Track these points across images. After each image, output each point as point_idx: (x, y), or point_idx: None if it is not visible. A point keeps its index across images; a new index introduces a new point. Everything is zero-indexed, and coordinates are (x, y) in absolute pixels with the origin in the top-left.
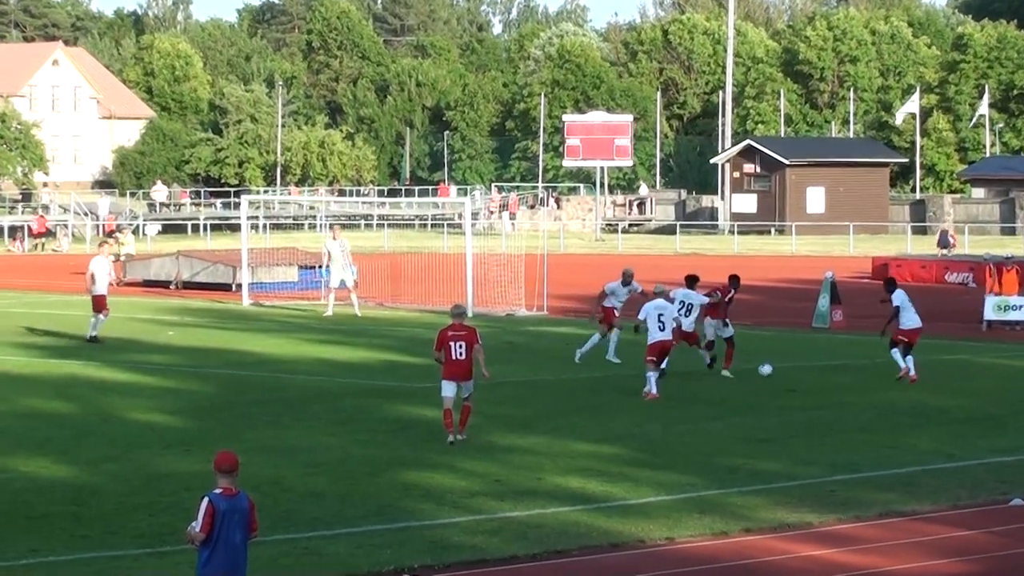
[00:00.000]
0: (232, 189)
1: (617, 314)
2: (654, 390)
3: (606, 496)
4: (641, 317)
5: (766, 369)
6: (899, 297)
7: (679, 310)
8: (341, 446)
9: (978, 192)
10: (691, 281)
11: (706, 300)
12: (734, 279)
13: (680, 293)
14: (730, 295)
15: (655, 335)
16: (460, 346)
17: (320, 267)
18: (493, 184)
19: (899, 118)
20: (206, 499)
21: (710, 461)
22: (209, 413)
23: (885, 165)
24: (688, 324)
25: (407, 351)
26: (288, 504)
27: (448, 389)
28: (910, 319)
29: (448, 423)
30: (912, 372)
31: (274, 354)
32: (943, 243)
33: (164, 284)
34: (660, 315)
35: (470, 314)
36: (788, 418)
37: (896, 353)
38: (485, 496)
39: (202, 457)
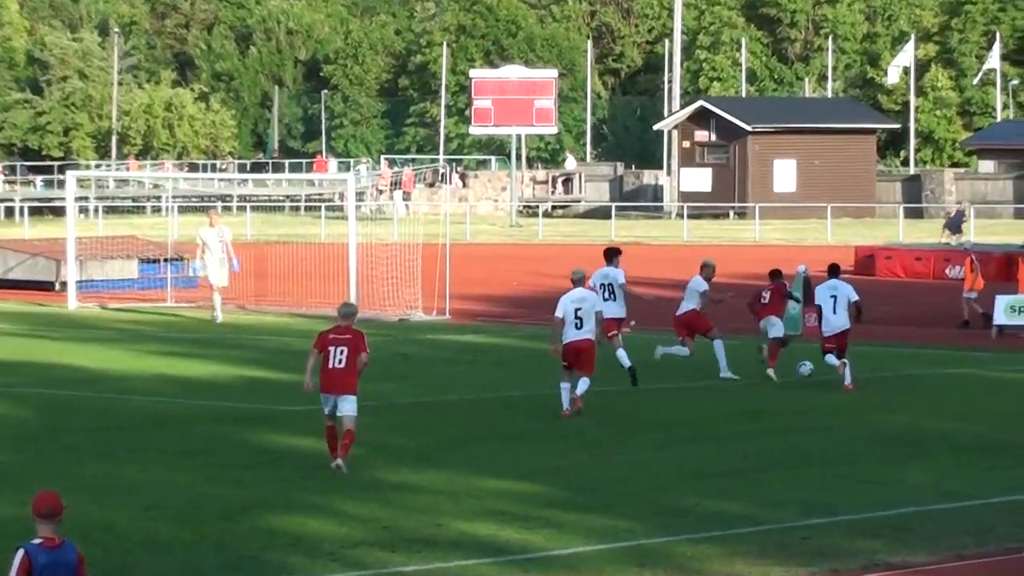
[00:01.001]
0: (56, 163)
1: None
2: (567, 406)
3: (523, 546)
4: (558, 314)
5: (806, 368)
6: (821, 295)
7: (603, 297)
8: (189, 484)
9: (986, 165)
10: (611, 255)
11: (621, 279)
12: (774, 273)
13: (597, 275)
14: (786, 290)
15: (569, 334)
16: (341, 351)
17: (188, 260)
18: (383, 157)
19: (891, 75)
20: (21, 551)
21: (654, 501)
22: (25, 443)
23: (871, 132)
24: (616, 310)
25: (273, 366)
26: (123, 556)
27: (326, 404)
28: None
29: (332, 446)
30: (848, 380)
31: (108, 370)
32: (954, 226)
33: None
34: (577, 309)
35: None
36: (751, 447)
37: (831, 358)
38: (371, 546)
39: (16, 498)
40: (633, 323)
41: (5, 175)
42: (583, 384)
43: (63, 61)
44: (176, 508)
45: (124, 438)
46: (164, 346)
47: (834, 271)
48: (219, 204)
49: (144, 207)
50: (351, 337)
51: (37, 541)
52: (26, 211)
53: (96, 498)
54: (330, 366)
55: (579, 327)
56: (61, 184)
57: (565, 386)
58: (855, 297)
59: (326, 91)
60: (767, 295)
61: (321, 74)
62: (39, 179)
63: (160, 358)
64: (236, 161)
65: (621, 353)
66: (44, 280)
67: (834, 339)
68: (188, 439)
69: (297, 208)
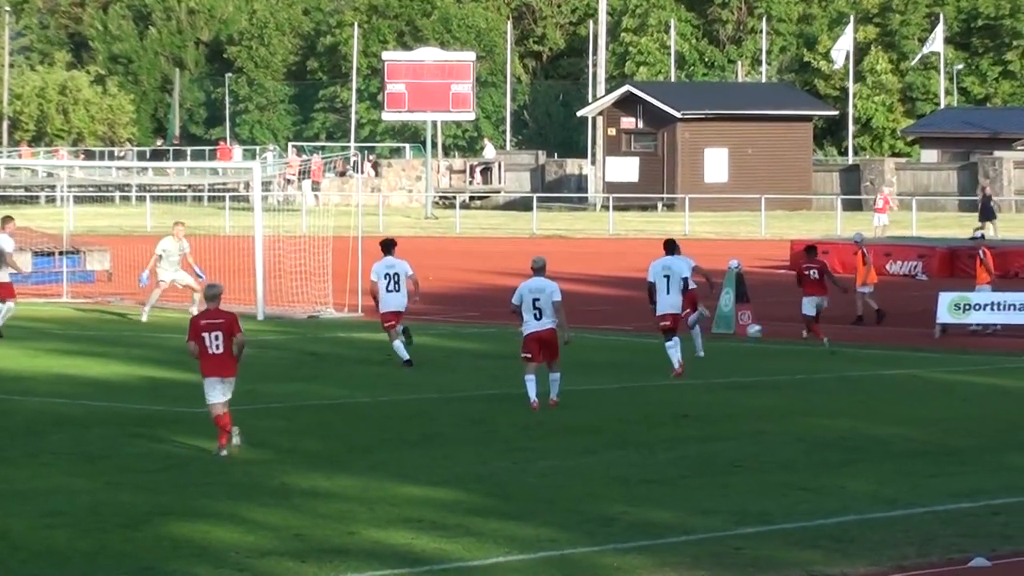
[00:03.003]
0: None
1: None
2: (533, 397)
3: (440, 555)
4: (515, 302)
5: (754, 329)
6: (653, 271)
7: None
8: (88, 490)
9: (929, 155)
10: (672, 247)
11: (687, 271)
12: (809, 249)
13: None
14: (818, 267)
15: (530, 325)
16: (216, 337)
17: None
18: (290, 144)
19: (836, 59)
20: None
21: (578, 509)
22: None
23: (807, 119)
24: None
25: (176, 365)
26: (19, 566)
27: (213, 390)
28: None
29: (224, 437)
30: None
31: (1, 369)
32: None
33: None
34: (535, 299)
35: (260, 316)
36: (681, 453)
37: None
38: (280, 555)
39: None
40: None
41: None
42: (555, 384)
43: None
44: (75, 516)
45: (20, 441)
46: (62, 344)
47: (671, 247)
48: (116, 193)
49: (37, 197)
50: (223, 321)
51: None
52: None
53: None
54: (209, 352)
55: (538, 317)
56: None
57: (530, 378)
58: (687, 275)
59: (230, 74)
60: (815, 272)
61: (225, 56)
62: None
63: (58, 357)
64: (135, 148)
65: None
66: None
67: (669, 318)
68: (88, 442)
69: (200, 198)
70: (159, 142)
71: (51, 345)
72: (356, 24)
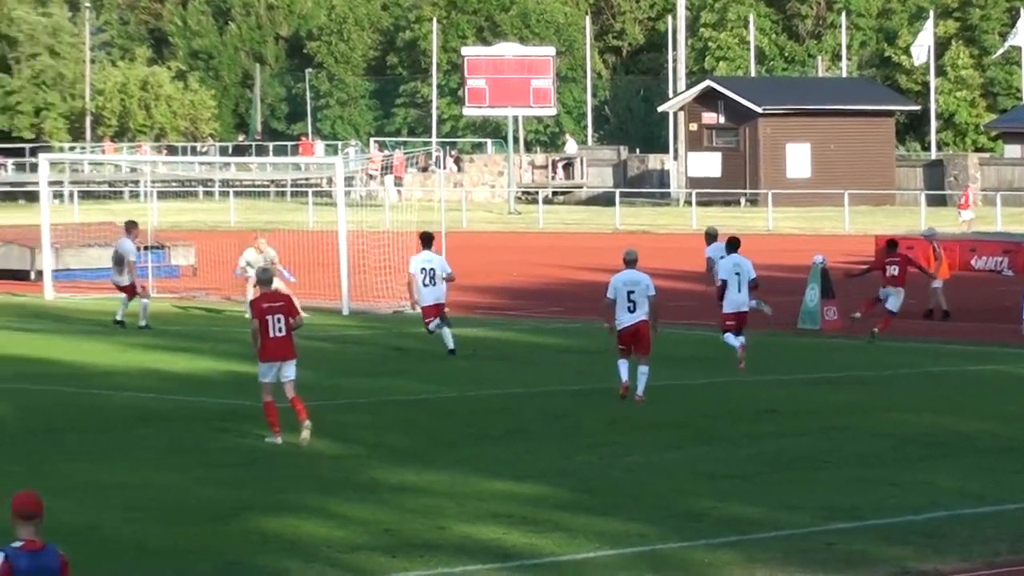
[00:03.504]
0: (27, 145)
1: None
2: (624, 378)
3: (531, 550)
4: (610, 295)
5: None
6: (724, 269)
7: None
8: (179, 484)
9: (1012, 150)
10: (733, 245)
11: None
12: (890, 244)
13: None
14: (900, 262)
15: (623, 318)
16: (278, 320)
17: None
18: (372, 139)
19: (917, 55)
20: (1, 555)
21: (666, 504)
22: (3, 442)
23: (890, 115)
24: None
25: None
26: (109, 560)
27: (269, 373)
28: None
29: (274, 420)
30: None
31: (89, 364)
32: None
33: None
34: (630, 292)
35: (344, 311)
36: (766, 448)
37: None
38: (371, 550)
39: None
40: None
41: None
42: (643, 377)
43: (32, 37)
44: (165, 510)
45: (109, 436)
46: (149, 339)
47: (734, 245)
48: (199, 188)
49: (121, 192)
50: (283, 304)
51: (17, 544)
52: None
53: (80, 499)
54: (271, 335)
55: (632, 310)
56: (34, 168)
57: (623, 361)
58: (754, 275)
59: (310, 70)
60: (895, 269)
61: (304, 51)
62: (10, 162)
63: (145, 352)
64: (217, 144)
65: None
66: (18, 269)
67: (735, 317)
68: (177, 437)
69: (283, 193)
70: (241, 137)
71: (138, 340)
72: (435, 19)
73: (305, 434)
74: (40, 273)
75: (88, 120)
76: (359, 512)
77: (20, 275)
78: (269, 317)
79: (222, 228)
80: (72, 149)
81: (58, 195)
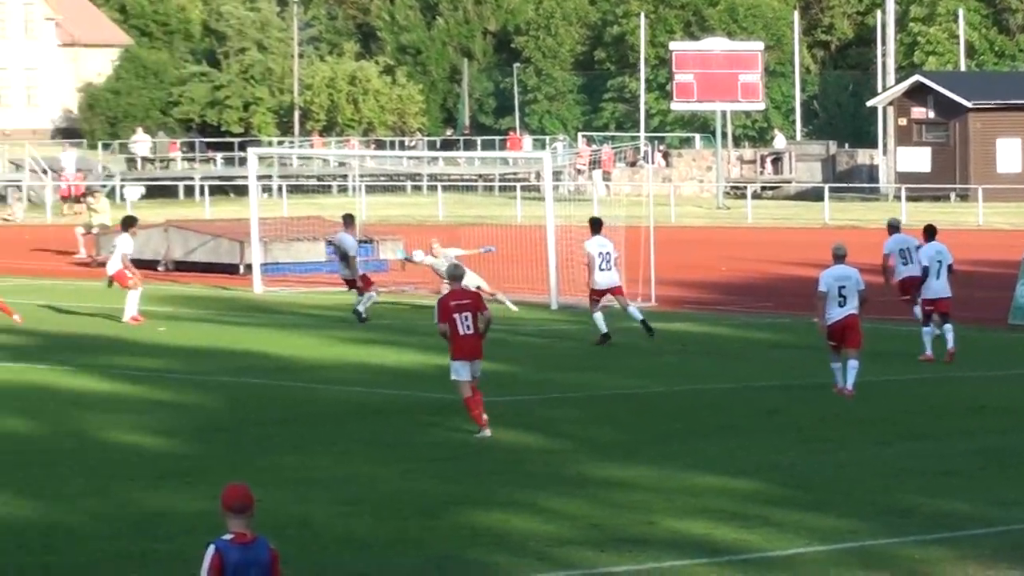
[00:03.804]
0: (236, 140)
1: None
2: (839, 383)
3: (740, 546)
4: (822, 289)
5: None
6: (925, 254)
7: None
8: (387, 478)
9: None
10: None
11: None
12: None
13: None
14: None
15: (833, 312)
16: (466, 318)
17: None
18: (580, 134)
19: None
20: (212, 547)
21: (876, 500)
22: (214, 434)
23: None
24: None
25: None
26: (320, 553)
27: (464, 369)
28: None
29: (478, 414)
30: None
31: (298, 357)
32: None
33: (150, 264)
34: (841, 287)
35: (553, 306)
36: (977, 444)
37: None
38: (579, 545)
39: (206, 491)
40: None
41: (184, 152)
42: (852, 371)
43: (240, 32)
44: (374, 503)
45: (319, 430)
46: (357, 333)
47: (932, 233)
48: (407, 183)
49: (330, 186)
50: (471, 301)
51: (228, 537)
52: (206, 190)
53: (291, 492)
54: (460, 333)
55: (842, 304)
56: (242, 162)
57: (836, 366)
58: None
59: (518, 64)
60: None
61: (512, 46)
62: (219, 156)
63: (354, 345)
64: (425, 138)
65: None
66: (227, 263)
67: (933, 303)
68: (385, 431)
69: (490, 188)
70: (449, 132)
71: (347, 334)
72: (643, 14)
73: (484, 429)
74: (249, 267)
75: (296, 115)
76: (567, 507)
77: (229, 269)
78: (457, 315)
79: (430, 222)
80: (280, 143)
81: (267, 189)
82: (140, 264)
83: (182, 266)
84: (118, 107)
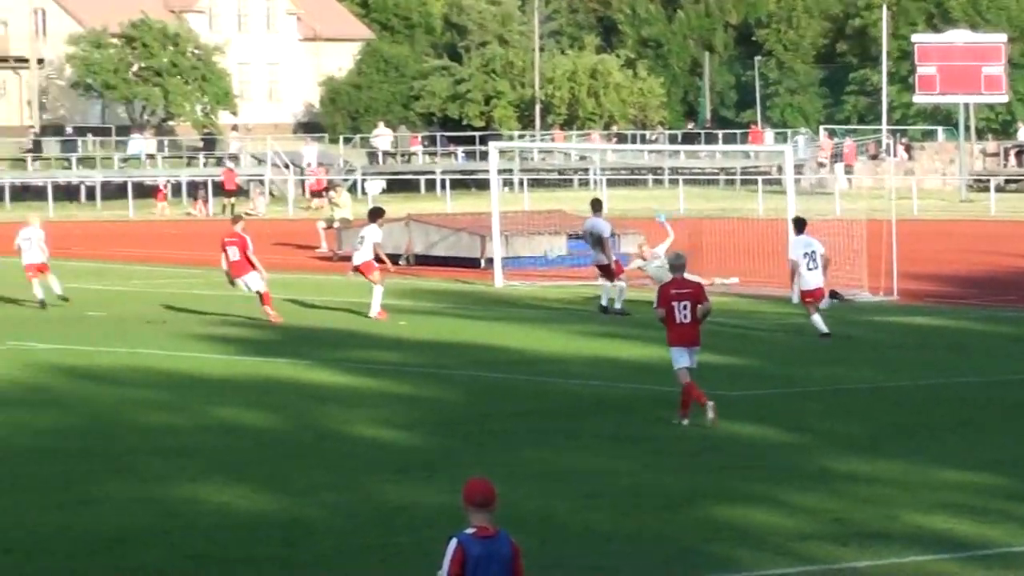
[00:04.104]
0: (477, 133)
1: None
2: None
3: (981, 541)
4: None
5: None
6: None
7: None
8: (628, 472)
9: None
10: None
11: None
12: None
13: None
14: None
15: None
16: (684, 307)
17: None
18: (821, 127)
19: None
20: (454, 541)
21: None
22: (455, 428)
23: None
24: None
25: (711, 348)
26: (561, 547)
27: (681, 357)
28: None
29: (688, 402)
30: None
31: (538, 351)
32: None
33: (392, 258)
34: None
35: (794, 299)
36: None
37: None
38: (820, 540)
39: (448, 485)
40: None
41: (425, 146)
42: None
43: (482, 26)
44: (615, 497)
45: (559, 423)
46: (597, 326)
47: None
48: (649, 176)
49: (571, 180)
50: (691, 291)
51: (470, 531)
52: (447, 184)
53: (531, 486)
54: (677, 321)
55: None
56: (483, 156)
57: None
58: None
59: (759, 57)
60: None
61: (753, 39)
62: (460, 150)
63: (594, 339)
64: (666, 132)
65: None
66: (468, 256)
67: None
68: (626, 425)
69: (732, 181)
70: (690, 125)
71: (587, 327)
72: (884, 6)
73: (711, 415)
74: (490, 261)
75: (537, 108)
76: (809, 500)
77: (470, 263)
78: (675, 303)
79: (670, 217)
80: (521, 137)
81: (507, 183)
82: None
83: (423, 260)
84: (359, 101)
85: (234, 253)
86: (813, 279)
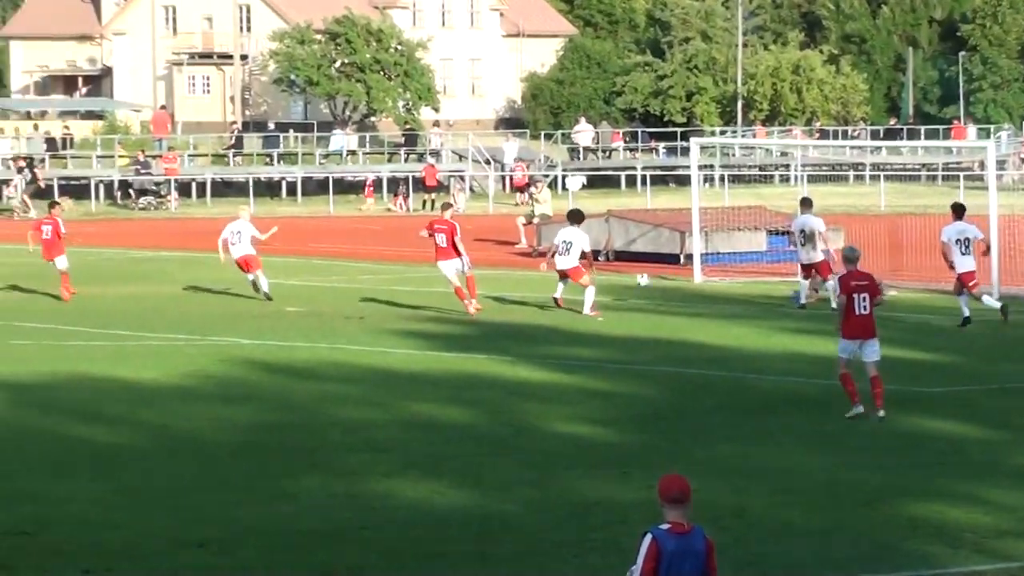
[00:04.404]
0: (678, 129)
1: None
2: None
3: None
4: None
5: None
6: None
7: None
8: (824, 468)
9: None
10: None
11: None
12: None
13: None
14: None
15: None
16: (863, 298)
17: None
18: None
19: None
20: (649, 536)
21: None
22: (651, 424)
23: None
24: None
25: (912, 344)
26: (755, 544)
27: (849, 350)
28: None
29: (852, 389)
30: None
31: (736, 347)
32: None
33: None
34: None
35: (995, 297)
36: None
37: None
38: (1018, 537)
39: (643, 482)
40: None
41: (626, 142)
42: None
43: (685, 22)
44: (811, 494)
45: (754, 419)
46: (797, 323)
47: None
48: (850, 172)
49: (771, 176)
50: (869, 283)
51: (665, 526)
52: (648, 180)
53: (727, 482)
54: (856, 312)
55: None
56: (684, 152)
57: None
58: None
59: (963, 53)
60: None
61: (958, 34)
62: (661, 146)
63: (791, 336)
64: (868, 127)
65: None
66: (667, 252)
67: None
68: (822, 421)
69: (934, 177)
70: (892, 121)
71: (786, 324)
72: None
73: (880, 413)
74: (689, 257)
75: (739, 104)
76: (1007, 498)
77: (670, 259)
78: (855, 295)
79: (871, 212)
80: (723, 133)
81: (708, 179)
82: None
83: (622, 256)
84: (561, 97)
85: (442, 240)
86: (965, 263)
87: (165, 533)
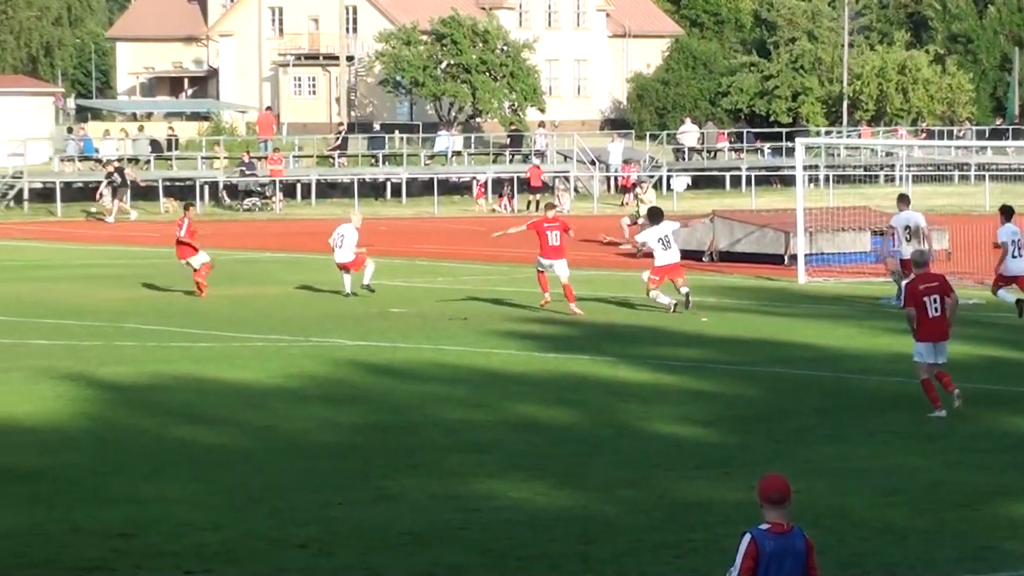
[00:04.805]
0: (784, 130)
1: None
2: None
3: None
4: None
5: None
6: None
7: None
8: (927, 468)
9: None
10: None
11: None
12: None
13: None
14: None
15: None
16: (935, 300)
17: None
18: None
19: None
20: (748, 536)
21: None
22: (753, 424)
23: None
24: None
25: (1014, 344)
26: (856, 544)
27: (928, 354)
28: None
29: (933, 395)
30: None
31: (839, 348)
32: None
33: (695, 254)
34: None
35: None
36: None
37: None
38: None
39: (744, 482)
40: None
41: (731, 142)
42: None
43: (791, 22)
44: (913, 494)
45: (859, 420)
46: (901, 323)
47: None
48: (955, 172)
49: (876, 176)
50: (939, 284)
51: (764, 527)
52: (753, 180)
53: (828, 482)
54: (929, 316)
55: None
56: (789, 152)
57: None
58: None
59: None
60: None
61: None
62: (766, 146)
63: (895, 336)
64: (974, 127)
65: None
66: (772, 253)
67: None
68: (926, 422)
69: None
70: (998, 121)
71: (889, 324)
72: None
73: (957, 403)
74: (793, 257)
75: (845, 104)
76: None
77: (774, 259)
78: (926, 298)
79: (976, 212)
80: (828, 133)
81: (813, 179)
82: (686, 255)
83: (727, 256)
84: (667, 98)
85: (555, 237)
86: (1017, 266)
87: (266, 534)
